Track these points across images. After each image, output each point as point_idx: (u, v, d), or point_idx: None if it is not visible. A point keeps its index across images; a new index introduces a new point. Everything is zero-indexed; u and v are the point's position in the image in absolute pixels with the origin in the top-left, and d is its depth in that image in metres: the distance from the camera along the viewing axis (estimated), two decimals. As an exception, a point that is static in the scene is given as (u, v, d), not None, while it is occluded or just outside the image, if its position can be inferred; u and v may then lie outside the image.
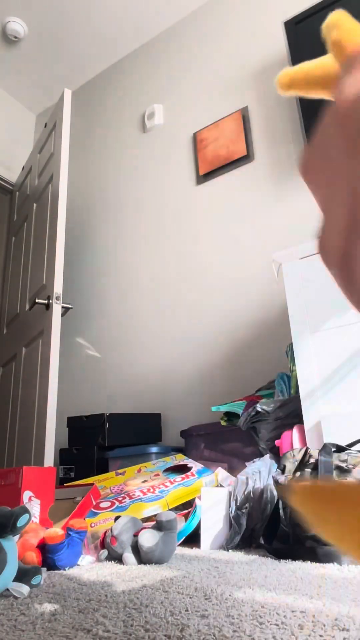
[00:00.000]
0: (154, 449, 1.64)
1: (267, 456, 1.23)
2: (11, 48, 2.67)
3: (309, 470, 1.01)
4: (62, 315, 2.02)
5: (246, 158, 2.05)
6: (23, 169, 2.80)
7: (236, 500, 1.09)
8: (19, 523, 0.72)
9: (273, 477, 1.03)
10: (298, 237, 1.81)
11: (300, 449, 1.05)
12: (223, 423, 1.51)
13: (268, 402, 1.34)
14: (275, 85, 0.37)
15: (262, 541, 0.97)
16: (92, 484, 1.25)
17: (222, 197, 2.10)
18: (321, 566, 0.83)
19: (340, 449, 1.00)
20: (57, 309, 1.94)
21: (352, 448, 1.02)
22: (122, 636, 0.50)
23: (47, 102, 3.10)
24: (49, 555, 0.89)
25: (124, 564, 0.93)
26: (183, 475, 1.35)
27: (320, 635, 0.46)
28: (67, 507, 1.15)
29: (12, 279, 2.67)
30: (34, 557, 0.88)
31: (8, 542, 0.73)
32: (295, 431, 1.20)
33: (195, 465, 1.44)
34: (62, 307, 2.00)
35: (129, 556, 0.93)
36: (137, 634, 0.50)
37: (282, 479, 1.00)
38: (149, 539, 0.92)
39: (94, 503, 1.18)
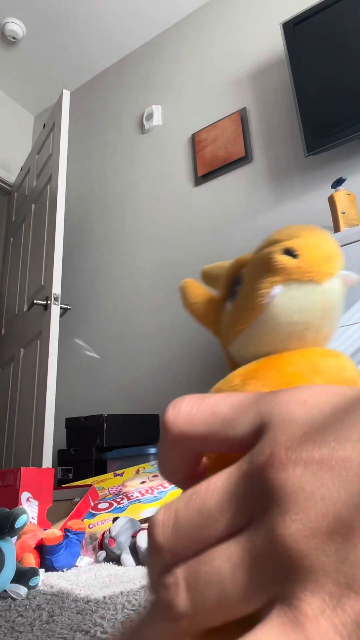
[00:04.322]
0: (152, 450, 1.64)
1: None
2: (9, 49, 2.67)
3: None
4: (61, 316, 2.02)
5: (245, 159, 2.06)
6: (21, 169, 2.80)
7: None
8: (17, 524, 0.72)
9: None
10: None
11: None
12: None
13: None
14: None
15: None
16: (90, 485, 1.25)
17: (221, 198, 2.11)
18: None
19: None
20: (55, 310, 1.93)
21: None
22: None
23: (45, 103, 3.10)
24: (47, 557, 0.89)
25: (122, 565, 0.93)
26: (181, 476, 1.34)
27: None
28: (65, 508, 1.15)
29: (10, 279, 2.67)
30: (31, 558, 0.87)
31: (6, 543, 0.72)
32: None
33: (194, 466, 1.43)
34: (61, 308, 2.00)
35: (127, 557, 0.93)
36: (135, 636, 0.50)
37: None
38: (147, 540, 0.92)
39: (92, 504, 1.18)
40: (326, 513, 0.12)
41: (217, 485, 0.14)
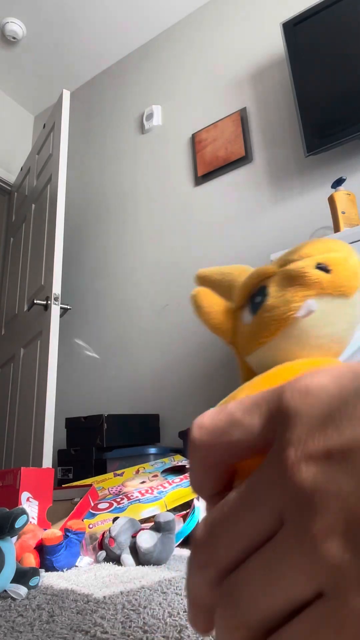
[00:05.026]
0: (152, 450, 1.64)
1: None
2: (10, 49, 2.67)
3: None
4: (61, 316, 2.02)
5: (245, 159, 2.06)
6: (21, 169, 2.80)
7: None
8: (17, 524, 0.72)
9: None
10: (296, 238, 1.81)
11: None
12: (221, 424, 1.51)
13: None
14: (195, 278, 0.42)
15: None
16: (90, 485, 1.25)
17: (221, 199, 2.11)
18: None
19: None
20: (55, 310, 1.93)
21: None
22: (120, 637, 0.49)
23: (45, 103, 3.10)
24: (47, 557, 0.89)
25: (122, 565, 0.93)
26: (181, 477, 1.35)
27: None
28: (65, 508, 1.15)
29: (10, 279, 2.67)
30: (31, 558, 0.87)
31: (6, 543, 0.72)
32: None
33: (194, 466, 1.43)
34: (61, 307, 2.00)
35: (127, 557, 0.93)
36: (135, 635, 0.50)
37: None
38: (147, 540, 0.92)
39: (92, 504, 1.18)
40: (343, 510, 0.12)
41: (242, 490, 0.15)
